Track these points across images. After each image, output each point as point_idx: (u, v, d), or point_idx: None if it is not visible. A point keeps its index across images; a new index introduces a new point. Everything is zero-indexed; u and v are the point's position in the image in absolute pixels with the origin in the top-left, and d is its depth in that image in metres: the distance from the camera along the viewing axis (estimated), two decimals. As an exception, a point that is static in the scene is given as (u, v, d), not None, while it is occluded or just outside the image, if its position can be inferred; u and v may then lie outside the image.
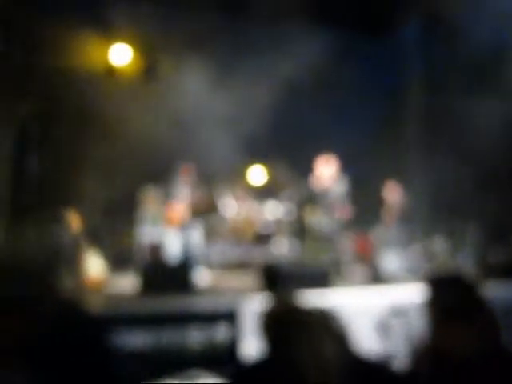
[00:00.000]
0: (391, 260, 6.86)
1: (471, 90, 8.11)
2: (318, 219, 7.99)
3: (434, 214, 8.46)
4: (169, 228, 7.70)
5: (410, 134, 9.91)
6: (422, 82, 9.58)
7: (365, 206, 7.89)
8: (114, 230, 8.15)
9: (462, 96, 8.23)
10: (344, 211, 7.84)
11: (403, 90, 9.78)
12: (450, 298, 2.26)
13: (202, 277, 6.35)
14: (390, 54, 8.96)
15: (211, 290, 6.05)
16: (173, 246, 7.63)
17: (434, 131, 9.12)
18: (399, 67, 9.21)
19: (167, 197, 7.72)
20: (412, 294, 5.35)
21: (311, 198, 8.00)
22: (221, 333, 4.77)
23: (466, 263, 7.45)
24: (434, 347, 2.23)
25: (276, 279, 5.87)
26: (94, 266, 6.46)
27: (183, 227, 7.77)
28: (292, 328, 1.96)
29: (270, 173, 9.41)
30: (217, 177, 8.51)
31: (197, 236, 7.85)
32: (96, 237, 6.96)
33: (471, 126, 8.00)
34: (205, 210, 8.09)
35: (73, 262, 6.25)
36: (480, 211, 8.06)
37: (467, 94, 8.12)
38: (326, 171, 7.89)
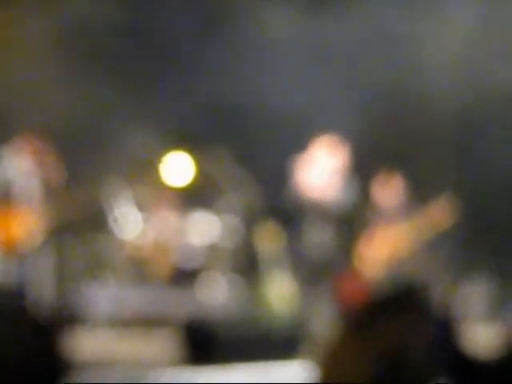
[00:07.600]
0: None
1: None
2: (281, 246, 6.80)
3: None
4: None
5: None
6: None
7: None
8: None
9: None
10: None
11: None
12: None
13: (78, 340, 5.25)
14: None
15: (94, 363, 5.13)
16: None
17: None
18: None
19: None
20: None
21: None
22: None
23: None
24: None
25: (206, 347, 5.34)
26: None
27: (24, 253, 6.40)
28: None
29: (200, 166, 7.39)
30: (108, 169, 6.96)
31: (47, 268, 6.58)
32: None
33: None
34: (72, 220, 6.62)
35: None
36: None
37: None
38: (327, 166, 6.42)
